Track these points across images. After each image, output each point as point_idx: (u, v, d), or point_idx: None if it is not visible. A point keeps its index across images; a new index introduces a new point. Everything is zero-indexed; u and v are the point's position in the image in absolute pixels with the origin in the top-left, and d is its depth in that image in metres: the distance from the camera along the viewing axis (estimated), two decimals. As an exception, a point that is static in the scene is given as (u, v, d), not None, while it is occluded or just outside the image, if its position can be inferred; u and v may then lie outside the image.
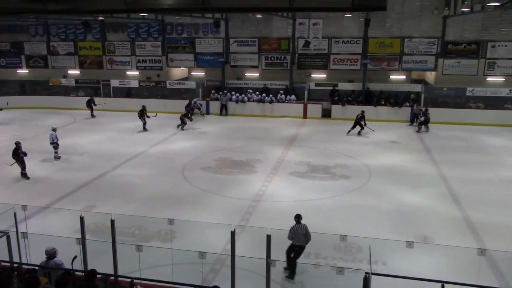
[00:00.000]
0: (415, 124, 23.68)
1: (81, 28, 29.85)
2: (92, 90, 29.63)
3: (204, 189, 14.36)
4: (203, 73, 30.26)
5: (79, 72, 31.27)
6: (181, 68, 30.72)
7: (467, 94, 24.97)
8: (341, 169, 16.43)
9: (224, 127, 23.92)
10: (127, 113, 25.54)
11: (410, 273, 8.05)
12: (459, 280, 7.34)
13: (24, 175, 15.35)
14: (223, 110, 27.18)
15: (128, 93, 29.68)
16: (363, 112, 22.50)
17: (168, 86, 28.74)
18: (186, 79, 30.80)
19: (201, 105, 26.81)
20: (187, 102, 26.32)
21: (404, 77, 27.97)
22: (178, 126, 23.26)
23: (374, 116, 25.06)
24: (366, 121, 22.19)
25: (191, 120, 24.52)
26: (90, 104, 26.51)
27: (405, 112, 25.09)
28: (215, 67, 28.64)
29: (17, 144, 15.32)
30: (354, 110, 25.36)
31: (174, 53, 29.59)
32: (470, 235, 11.14)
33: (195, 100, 26.70)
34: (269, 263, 7.10)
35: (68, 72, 31.38)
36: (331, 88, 27.06)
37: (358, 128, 22.03)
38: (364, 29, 26.48)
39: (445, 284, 6.97)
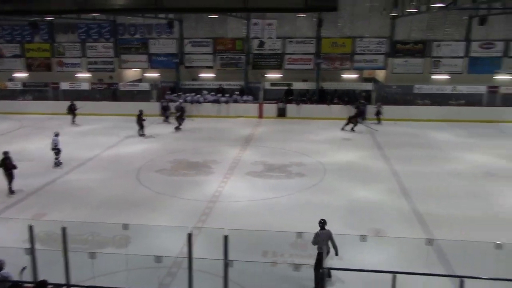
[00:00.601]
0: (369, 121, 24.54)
1: (28, 29, 28.71)
2: (40, 93, 28.56)
3: (159, 192, 14.18)
4: (158, 74, 29.86)
5: (26, 75, 30.05)
6: (134, 69, 30.16)
7: (415, 91, 26.01)
8: (297, 168, 16.69)
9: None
10: (80, 117, 24.80)
11: (364, 266, 8.34)
12: (409, 270, 7.67)
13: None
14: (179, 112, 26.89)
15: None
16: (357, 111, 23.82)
17: (121, 88, 28.12)
18: (139, 80, 30.29)
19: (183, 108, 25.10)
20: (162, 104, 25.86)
21: (356, 76, 28.77)
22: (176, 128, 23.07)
23: (327, 114, 25.65)
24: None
25: (169, 122, 24.41)
26: (71, 110, 24.74)
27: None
28: (170, 68, 28.34)
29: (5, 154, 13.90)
30: (308, 110, 25.90)
31: (126, 54, 29.02)
32: (419, 227, 11.62)
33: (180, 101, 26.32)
34: (226, 263, 7.12)
35: (15, 75, 30.08)
36: (287, 87, 27.40)
37: (353, 125, 22.91)
38: (317, 29, 27.02)
39: (396, 274, 7.29)
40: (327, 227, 8.98)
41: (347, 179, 15.43)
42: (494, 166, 16.83)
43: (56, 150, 16.80)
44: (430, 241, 8.68)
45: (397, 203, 13.27)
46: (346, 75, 28.44)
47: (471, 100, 25.78)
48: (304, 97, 27.16)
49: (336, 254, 8.85)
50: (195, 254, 7.34)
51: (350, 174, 16.02)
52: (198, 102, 26.96)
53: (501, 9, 24.85)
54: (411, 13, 22.79)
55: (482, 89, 25.45)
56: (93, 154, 18.56)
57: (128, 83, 28.64)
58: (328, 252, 8.61)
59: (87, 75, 29.42)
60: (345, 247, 10.02)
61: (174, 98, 26.71)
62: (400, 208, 12.90)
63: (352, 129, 22.78)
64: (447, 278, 8.24)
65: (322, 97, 26.99)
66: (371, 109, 25.12)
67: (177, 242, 9.97)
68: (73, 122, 24.66)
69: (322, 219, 9.09)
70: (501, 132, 22.65)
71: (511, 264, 8.35)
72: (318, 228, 8.92)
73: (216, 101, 26.91)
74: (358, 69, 28.19)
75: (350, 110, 25.74)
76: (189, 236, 7.13)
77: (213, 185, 14.78)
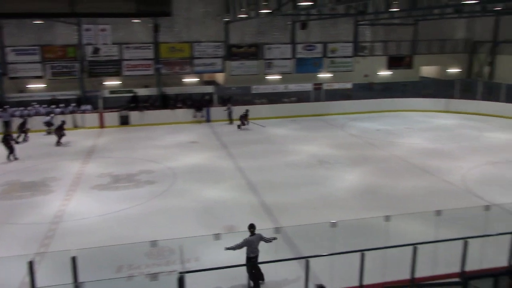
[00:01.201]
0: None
1: None
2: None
3: (-10, 221, 12.50)
4: (-25, 87, 26.10)
5: None
6: None
7: (253, 91, 27.65)
8: (145, 175, 16.37)
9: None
10: None
11: (220, 263, 8.60)
12: (262, 259, 8.23)
13: None
14: (6, 128, 23.94)
15: None
16: (247, 111, 24.63)
17: None
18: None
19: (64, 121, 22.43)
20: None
21: (197, 79, 29.35)
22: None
23: (172, 119, 25.66)
24: (249, 120, 24.46)
25: (25, 140, 21.71)
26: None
27: (201, 112, 26.27)
28: (-10, 79, 25.04)
29: None
30: (152, 116, 25.54)
31: None
32: (268, 217, 12.46)
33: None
34: (77, 286, 6.68)
35: None
36: (132, 94, 26.45)
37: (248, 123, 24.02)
38: (154, 34, 26.74)
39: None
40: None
41: (197, 181, 15.70)
42: (325, 154, 18.91)
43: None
44: (277, 230, 9.41)
45: (246, 198, 14.00)
46: (187, 79, 28.81)
47: (301, 97, 28.46)
48: (147, 103, 26.68)
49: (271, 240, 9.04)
50: (39, 283, 6.73)
51: (199, 175, 16.33)
52: (29, 115, 24.31)
53: (317, 15, 28.05)
54: (242, 18, 24.16)
55: (308, 86, 28.27)
56: None
57: None
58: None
59: None
60: (200, 247, 10.23)
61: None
62: (249, 203, 13.64)
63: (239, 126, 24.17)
64: (296, 261, 9.00)
65: (165, 102, 26.87)
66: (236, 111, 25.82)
67: (18, 273, 8.95)
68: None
69: (251, 224, 9.10)
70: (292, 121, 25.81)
71: (345, 239, 9.56)
72: (179, 233, 8.91)
73: (50, 114, 24.62)
74: (198, 73, 28.81)
75: (193, 113, 26.13)
76: (30, 264, 6.51)
77: (54, 204, 13.58)
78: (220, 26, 28.16)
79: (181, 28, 27.76)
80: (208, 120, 26.03)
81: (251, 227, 8.97)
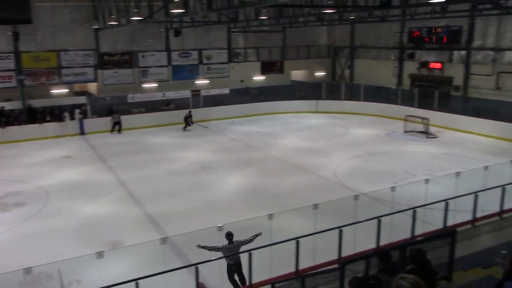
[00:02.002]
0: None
1: None
2: None
3: None
4: None
5: None
6: None
7: (129, 101, 26.68)
8: (13, 197, 14.86)
9: None
10: None
11: (105, 282, 8.18)
12: (151, 272, 8.03)
13: None
14: None
15: None
16: (190, 111, 25.37)
17: None
18: None
19: None
20: None
21: (67, 90, 27.44)
22: None
23: (41, 134, 23.60)
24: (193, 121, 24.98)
25: None
26: None
27: (74, 125, 24.64)
28: None
29: None
30: (17, 131, 23.24)
31: None
32: (154, 229, 12.21)
33: None
34: None
35: None
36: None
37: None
38: (14, 43, 24.36)
39: (138, 281, 7.52)
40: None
41: (74, 197, 14.72)
42: (207, 159, 19.10)
43: None
44: (164, 240, 9.26)
45: (129, 211, 13.52)
46: (56, 90, 26.74)
47: (180, 104, 28.30)
48: (10, 118, 24.16)
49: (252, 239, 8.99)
50: None
51: (76, 192, 15.33)
52: None
53: (191, 23, 28.23)
54: (112, 26, 23.26)
55: (187, 93, 28.22)
56: None
57: None
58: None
59: None
60: (82, 268, 9.65)
61: None
62: (133, 215, 13.21)
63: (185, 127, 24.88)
64: (186, 269, 8.95)
65: (32, 116, 24.59)
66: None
67: None
68: None
69: (229, 232, 8.80)
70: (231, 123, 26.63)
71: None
72: (57, 256, 8.26)
73: None
74: (68, 83, 26.91)
75: (65, 126, 24.37)
76: None
77: None
78: (89, 33, 26.74)
79: (45, 36, 25.73)
80: (82, 133, 24.49)
81: (229, 235, 8.87)
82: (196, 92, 28.34)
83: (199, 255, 8.92)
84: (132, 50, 28.24)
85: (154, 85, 28.95)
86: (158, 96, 27.56)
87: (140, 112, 27.08)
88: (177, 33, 28.86)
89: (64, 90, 27.16)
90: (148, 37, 28.99)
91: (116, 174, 17.32)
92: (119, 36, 27.90)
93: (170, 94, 27.75)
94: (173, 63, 29.34)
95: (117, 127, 24.93)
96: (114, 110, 25.82)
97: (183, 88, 28.51)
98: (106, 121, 24.89)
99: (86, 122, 24.85)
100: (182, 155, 19.98)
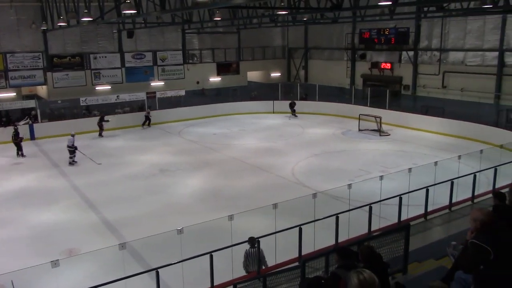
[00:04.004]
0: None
1: None
2: None
3: None
4: None
5: None
6: None
7: (82, 104, 25.87)
8: (-42, 208, 14.08)
9: None
10: None
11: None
12: (110, 279, 7.84)
13: None
14: None
15: None
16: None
17: None
18: None
19: None
20: None
21: (14, 94, 26.28)
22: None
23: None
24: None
25: None
26: None
27: (24, 129, 23.54)
28: None
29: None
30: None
31: None
32: (111, 234, 11.92)
33: None
34: None
35: None
36: None
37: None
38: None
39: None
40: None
41: (25, 205, 14.13)
42: (165, 162, 18.85)
43: (72, 149, 18.06)
44: (122, 245, 9.05)
45: (85, 218, 13.14)
46: (2, 94, 25.53)
47: (135, 106, 27.75)
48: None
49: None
50: None
51: (27, 199, 14.72)
52: None
53: (144, 23, 27.74)
54: (62, 27, 22.50)
55: (142, 95, 27.71)
56: None
57: None
58: None
59: None
60: (36, 278, 9.32)
61: None
62: (89, 221, 12.84)
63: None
64: (146, 274, 8.81)
65: (-25, 121, 23.40)
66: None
67: None
68: None
69: (251, 237, 8.77)
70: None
71: (193, 244, 9.72)
72: (8, 267, 7.92)
73: None
74: (16, 87, 25.81)
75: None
76: None
77: None
78: (37, 35, 25.77)
79: (-12, 38, 24.59)
80: (32, 138, 23.50)
81: (251, 240, 8.82)
82: (151, 94, 27.89)
83: (159, 259, 8.81)
84: (84, 52, 27.47)
85: (108, 87, 28.26)
86: (112, 98, 26.87)
87: (95, 116, 26.32)
88: (130, 34, 28.30)
89: (11, 94, 26.01)
90: (100, 38, 28.27)
91: (70, 180, 16.77)
92: (70, 38, 27.05)
93: (125, 97, 27.13)
94: (127, 65, 28.79)
95: (148, 122, 25.85)
96: (149, 105, 26.84)
97: (138, 90, 27.98)
98: (58, 125, 24.00)
99: (37, 126, 23.86)
100: (139, 158, 19.61)
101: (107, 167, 18.42)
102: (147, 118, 26.11)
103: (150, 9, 17.80)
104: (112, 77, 28.19)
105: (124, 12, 15.28)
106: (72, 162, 18.66)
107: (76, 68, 26.97)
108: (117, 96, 26.89)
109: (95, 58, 27.57)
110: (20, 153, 20.17)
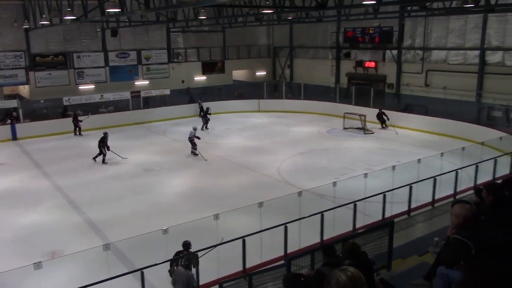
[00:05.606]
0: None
1: None
2: None
3: None
4: None
5: None
6: None
7: (65, 103, 25.57)
8: None
9: None
10: None
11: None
12: (94, 280, 7.77)
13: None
14: None
15: None
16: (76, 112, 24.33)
17: None
18: None
19: None
20: None
21: (-5, 93, 25.87)
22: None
23: (-33, 141, 22.06)
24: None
25: None
26: None
27: (5, 130, 23.23)
28: None
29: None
30: None
31: None
32: (95, 235, 11.80)
33: None
34: None
35: None
36: None
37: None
38: None
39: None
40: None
41: (7, 207, 13.92)
42: (150, 162, 18.72)
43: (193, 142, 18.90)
44: (107, 246, 8.97)
45: (69, 219, 12.99)
46: (-18, 94, 25.16)
47: (119, 106, 27.50)
48: None
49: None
50: None
51: (9, 201, 14.50)
52: None
53: (128, 22, 27.49)
54: (44, 26, 22.17)
55: (126, 94, 27.46)
56: None
57: None
58: None
59: None
60: (19, 281, 9.20)
61: None
62: (73, 222, 12.71)
63: None
64: (131, 275, 8.74)
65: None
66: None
67: None
68: None
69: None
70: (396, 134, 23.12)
71: (179, 244, 9.68)
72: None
73: None
74: (-3, 86, 25.41)
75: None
76: None
77: None
78: (19, 34, 25.36)
79: (-32, 37, 24.15)
80: (14, 138, 23.13)
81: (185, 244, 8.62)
82: (136, 93, 27.67)
83: (144, 259, 8.77)
84: (67, 51, 27.12)
85: (91, 86, 27.95)
86: (96, 98, 26.58)
87: (78, 115, 25.96)
88: (114, 33, 27.98)
89: (-7, 93, 25.61)
90: (83, 37, 27.94)
91: (53, 180, 16.55)
92: (52, 36, 26.68)
93: (109, 96, 26.87)
94: (111, 64, 28.51)
95: (202, 113, 25.78)
96: (200, 97, 27.68)
97: (122, 89, 27.73)
98: (41, 125, 23.67)
99: (19, 127, 23.49)
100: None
101: (90, 167, 18.22)
102: (202, 109, 26.11)
103: (134, 8, 17.64)
104: (96, 76, 27.89)
105: (108, 10, 15.08)
106: (194, 153, 19.33)
107: (59, 67, 26.61)
108: (101, 95, 26.62)
109: (78, 57, 27.23)
110: None
